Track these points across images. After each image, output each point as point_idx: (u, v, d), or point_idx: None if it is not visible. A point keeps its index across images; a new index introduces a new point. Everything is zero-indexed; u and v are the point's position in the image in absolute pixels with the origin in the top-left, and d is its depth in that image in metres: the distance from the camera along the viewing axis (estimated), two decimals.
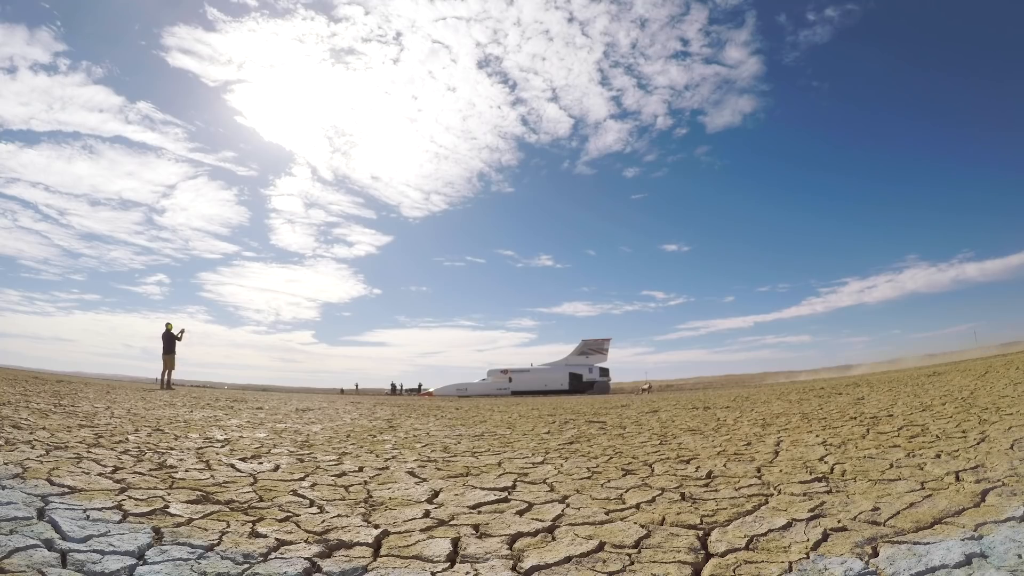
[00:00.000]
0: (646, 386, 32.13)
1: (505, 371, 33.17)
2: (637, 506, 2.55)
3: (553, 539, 2.09)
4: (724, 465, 3.52)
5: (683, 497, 2.70)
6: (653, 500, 2.66)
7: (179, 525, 2.08)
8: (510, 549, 1.98)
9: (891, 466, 3.07)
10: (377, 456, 4.22)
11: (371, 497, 2.76)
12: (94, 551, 1.74)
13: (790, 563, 1.74)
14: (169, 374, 15.52)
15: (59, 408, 6.41)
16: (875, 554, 1.76)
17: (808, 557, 1.78)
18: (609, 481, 3.17)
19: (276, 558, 1.81)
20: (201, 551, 1.82)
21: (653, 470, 3.48)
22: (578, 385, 32.32)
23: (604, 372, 34.64)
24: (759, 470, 3.27)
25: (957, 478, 2.66)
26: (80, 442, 3.87)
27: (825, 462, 3.36)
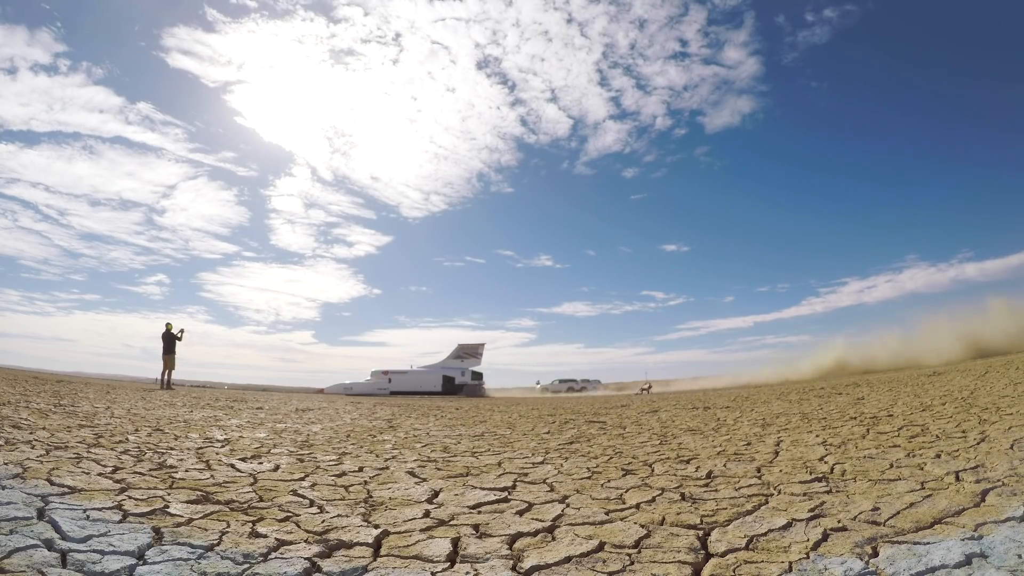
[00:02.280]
0: (646, 386, 32.09)
1: (386, 372, 34.78)
2: (637, 506, 2.55)
3: (553, 539, 2.09)
4: (724, 465, 3.52)
5: (683, 497, 2.70)
6: (653, 500, 2.66)
7: (179, 525, 2.08)
8: (510, 549, 1.98)
9: (891, 466, 3.07)
10: (377, 456, 4.22)
11: (371, 497, 2.76)
12: (94, 551, 1.74)
13: (790, 563, 1.74)
14: (169, 374, 15.53)
15: (59, 408, 6.41)
16: (875, 554, 1.76)
17: (808, 557, 1.78)
18: (609, 481, 3.17)
19: (276, 558, 1.81)
20: (201, 551, 1.82)
21: (653, 470, 3.48)
22: (450, 387, 34.04)
23: (477, 375, 36.29)
24: (759, 470, 3.27)
25: (957, 478, 2.65)
26: (80, 442, 3.87)
27: (825, 462, 3.36)
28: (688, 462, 3.73)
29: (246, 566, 1.73)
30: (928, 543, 1.79)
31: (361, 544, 2.00)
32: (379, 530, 2.16)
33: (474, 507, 2.58)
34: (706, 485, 2.96)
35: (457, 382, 34.58)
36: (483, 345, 37.30)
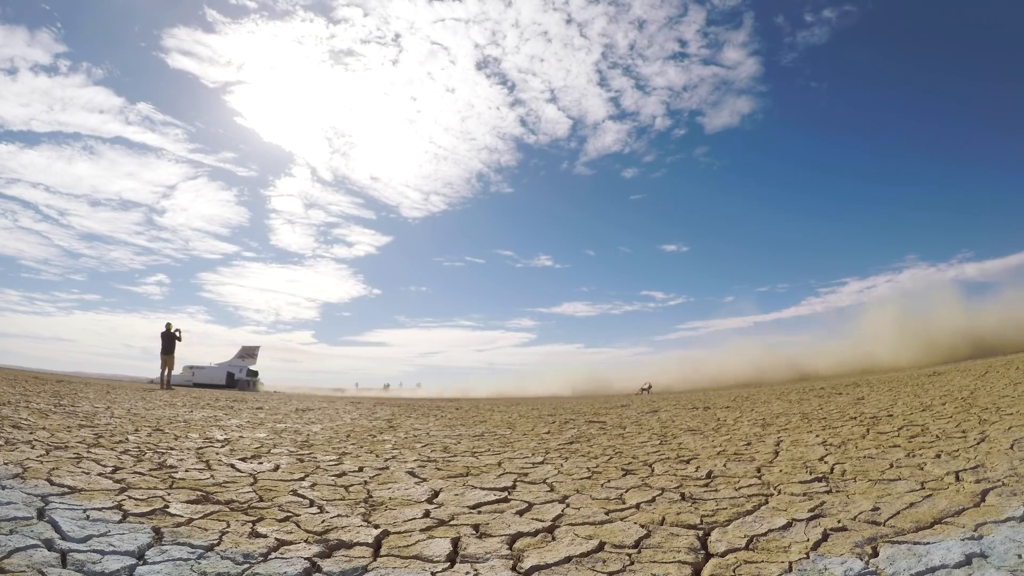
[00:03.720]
0: (646, 386, 32.01)
1: (192, 367, 40.93)
2: (637, 506, 2.55)
3: (553, 539, 2.09)
4: (724, 465, 3.52)
5: (683, 497, 2.70)
6: (653, 500, 2.66)
7: (179, 525, 2.08)
8: (510, 549, 1.98)
9: (891, 466, 3.07)
10: (377, 456, 4.22)
11: (371, 497, 2.76)
12: (94, 551, 1.74)
13: (790, 563, 1.74)
14: (169, 374, 15.54)
15: (59, 408, 6.41)
16: (875, 554, 1.76)
17: (808, 557, 1.78)
18: (609, 481, 3.17)
19: (276, 558, 1.81)
20: (201, 551, 1.82)
21: (653, 470, 3.48)
22: (231, 382, 40.50)
23: (252, 373, 43.16)
24: (759, 470, 3.27)
25: (957, 478, 2.66)
26: (80, 442, 3.87)
27: (825, 462, 3.36)
28: (688, 462, 3.73)
29: (246, 566, 1.73)
30: (928, 543, 1.79)
31: (361, 544, 2.00)
32: (379, 530, 2.16)
33: (474, 507, 2.58)
34: (706, 485, 2.96)
35: (236, 378, 41.16)
36: (259, 348, 45.67)
